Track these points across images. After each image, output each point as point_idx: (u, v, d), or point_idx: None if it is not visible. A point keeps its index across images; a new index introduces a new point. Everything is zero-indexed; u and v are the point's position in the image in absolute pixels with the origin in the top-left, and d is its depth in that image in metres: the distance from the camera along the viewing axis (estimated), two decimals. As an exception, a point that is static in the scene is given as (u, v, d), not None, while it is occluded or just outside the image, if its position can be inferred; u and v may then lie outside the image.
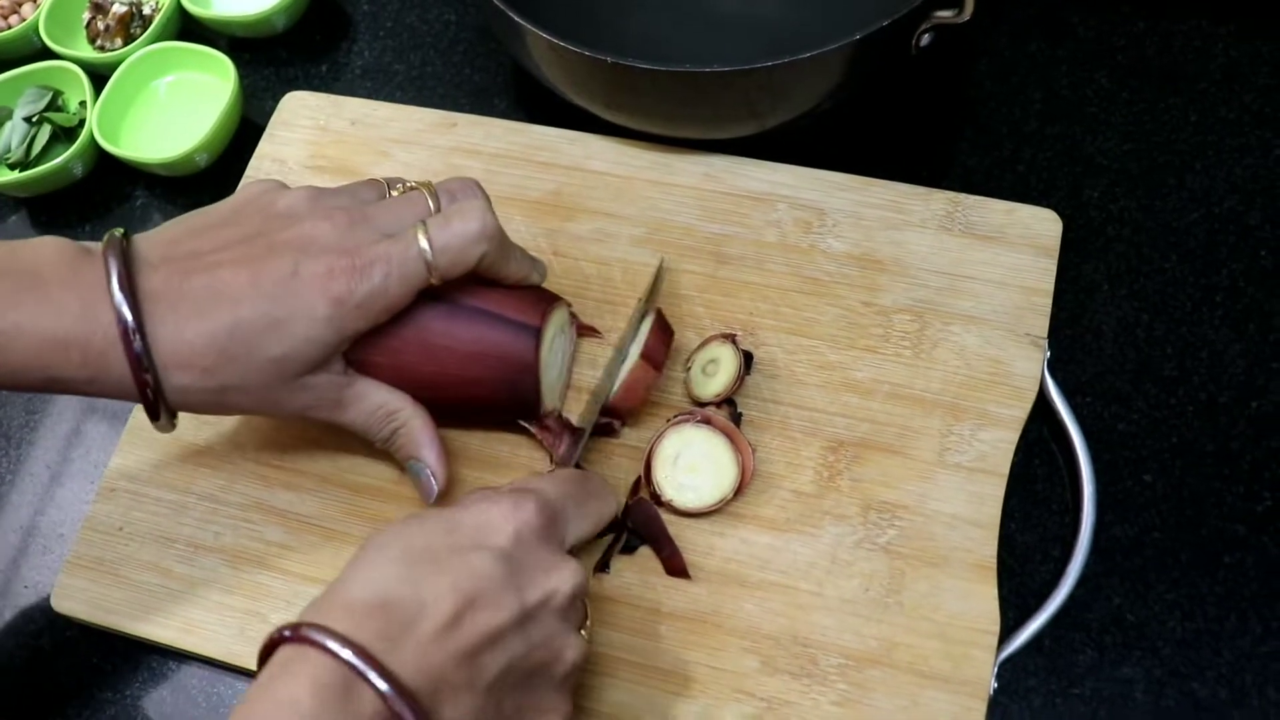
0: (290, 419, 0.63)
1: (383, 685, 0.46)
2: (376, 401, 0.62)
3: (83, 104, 0.86)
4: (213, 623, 0.67)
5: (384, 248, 0.58)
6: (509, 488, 0.57)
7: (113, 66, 0.86)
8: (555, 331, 0.65)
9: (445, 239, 0.59)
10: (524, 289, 0.65)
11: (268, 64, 0.91)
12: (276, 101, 0.85)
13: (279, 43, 0.91)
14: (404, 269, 0.58)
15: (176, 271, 0.57)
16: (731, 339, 0.69)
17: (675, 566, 0.65)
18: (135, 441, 0.73)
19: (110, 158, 0.84)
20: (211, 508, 0.70)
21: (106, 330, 0.55)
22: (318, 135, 0.83)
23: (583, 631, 0.56)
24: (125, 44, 0.89)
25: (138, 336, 0.55)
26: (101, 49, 0.89)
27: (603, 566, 0.66)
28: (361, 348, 0.61)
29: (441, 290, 0.61)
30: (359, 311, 0.58)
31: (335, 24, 0.92)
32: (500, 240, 0.61)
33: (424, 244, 0.59)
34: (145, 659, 0.69)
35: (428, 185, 0.63)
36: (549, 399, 0.65)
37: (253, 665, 0.50)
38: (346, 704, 0.45)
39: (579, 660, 0.54)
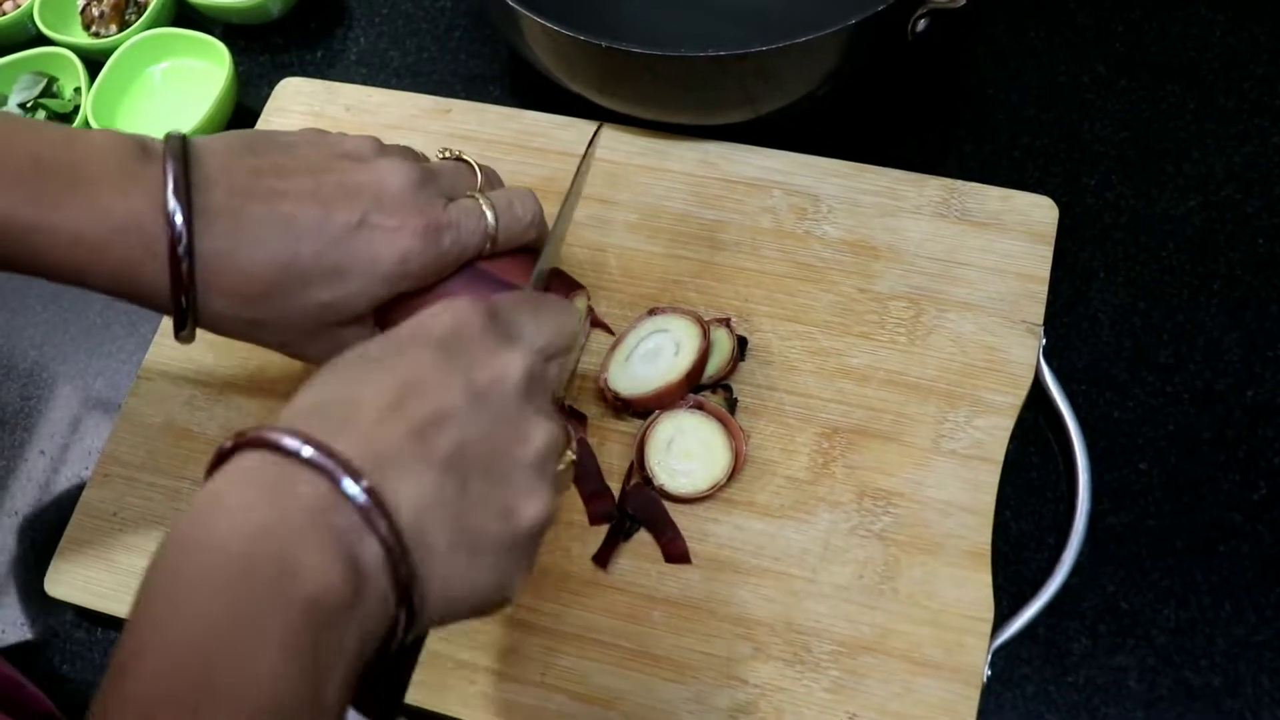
0: (304, 362, 0.62)
1: (321, 459, 0.42)
2: None
3: (78, 90, 0.86)
4: (205, 608, 0.67)
5: (455, 214, 0.59)
6: None
7: (108, 53, 0.86)
8: None
9: (509, 219, 0.60)
10: (549, 270, 0.65)
11: (263, 50, 0.90)
12: (272, 88, 0.84)
13: (274, 29, 0.91)
14: (470, 239, 0.59)
15: (238, 191, 0.55)
16: (726, 323, 0.69)
17: (676, 551, 0.65)
18: (129, 427, 0.73)
19: (105, 144, 0.83)
20: (204, 493, 0.70)
21: (150, 243, 0.53)
22: (313, 121, 0.82)
23: (570, 451, 0.53)
24: (120, 30, 0.89)
25: (186, 256, 0.53)
26: (96, 35, 0.89)
27: (604, 562, 0.65)
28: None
29: (491, 265, 0.62)
30: (420, 272, 0.58)
31: (331, 10, 0.92)
32: (543, 221, 0.63)
33: (490, 219, 0.59)
34: (137, 644, 0.69)
35: (467, 157, 0.64)
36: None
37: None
38: (279, 490, 0.42)
39: (549, 445, 0.49)
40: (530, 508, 0.47)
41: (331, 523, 0.41)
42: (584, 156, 0.64)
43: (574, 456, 0.54)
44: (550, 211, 0.63)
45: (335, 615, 0.40)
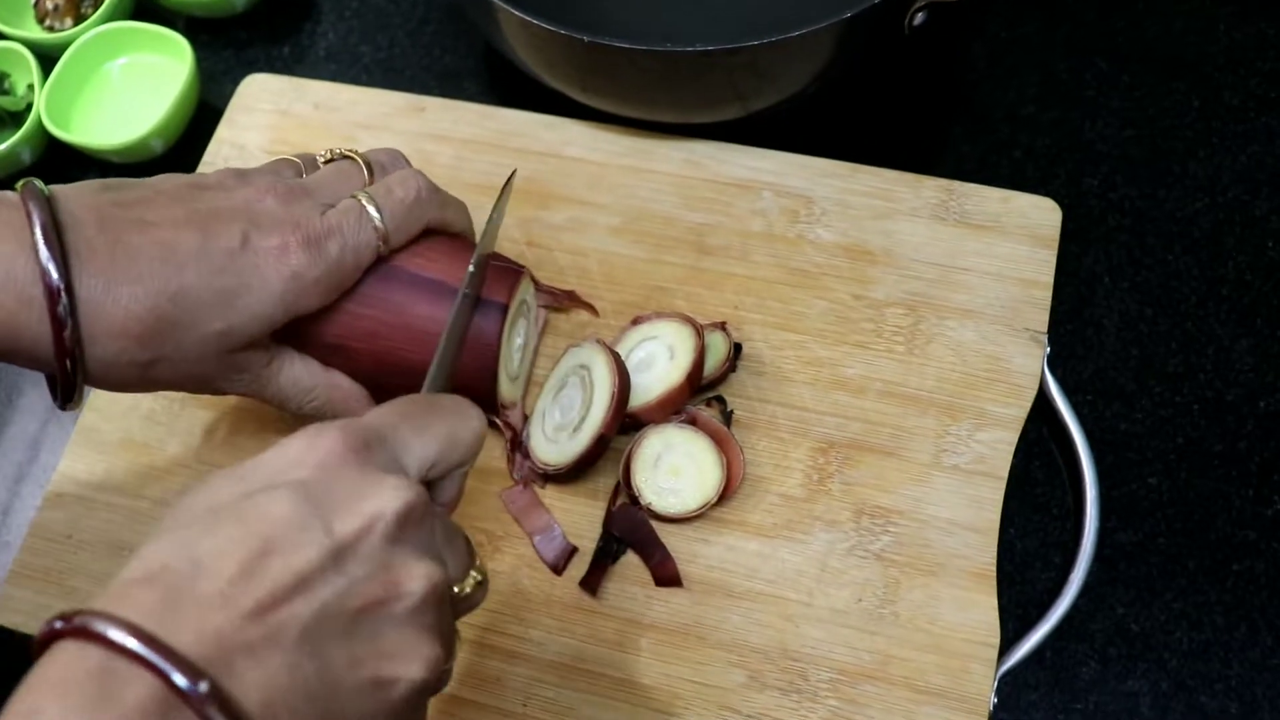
0: (206, 394, 0.59)
1: (151, 656, 0.37)
2: (294, 375, 0.59)
3: (31, 87, 0.82)
4: (165, 637, 0.63)
5: (335, 219, 0.56)
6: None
7: (62, 48, 0.82)
8: (513, 312, 0.62)
9: (392, 207, 0.57)
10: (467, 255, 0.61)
11: (227, 45, 0.87)
12: (236, 85, 0.81)
13: (239, 23, 0.88)
14: (357, 240, 0.56)
15: (109, 225, 0.52)
16: (722, 326, 0.67)
17: (666, 574, 0.62)
18: (85, 445, 0.70)
19: (60, 144, 0.80)
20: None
21: (23, 290, 0.50)
22: (279, 120, 0.79)
23: (475, 572, 0.47)
24: (75, 24, 0.85)
25: (65, 298, 0.50)
26: (50, 29, 0.86)
27: (593, 587, 0.62)
28: (333, 329, 0.58)
29: (419, 268, 0.59)
30: (315, 288, 0.55)
31: (298, 3, 0.88)
32: (440, 199, 0.60)
33: (373, 212, 0.57)
34: (94, 675, 0.65)
35: (355, 153, 0.61)
36: (508, 391, 0.63)
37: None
38: (103, 696, 0.36)
39: (429, 590, 0.43)
40: (408, 670, 0.42)
41: None
42: (499, 199, 0.62)
43: (479, 578, 0.48)
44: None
45: None
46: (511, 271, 0.62)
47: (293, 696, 0.39)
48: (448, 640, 0.44)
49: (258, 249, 0.54)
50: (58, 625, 0.38)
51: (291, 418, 0.67)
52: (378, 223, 0.57)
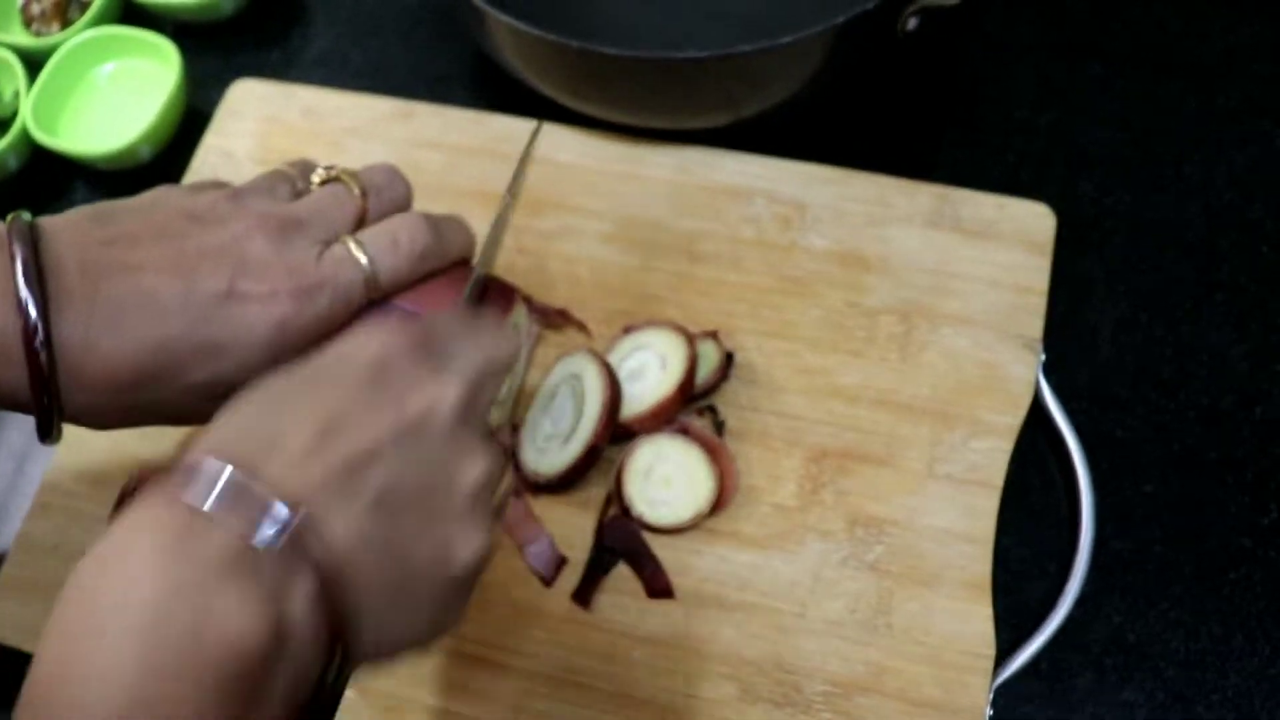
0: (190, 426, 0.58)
1: (245, 483, 0.39)
2: None
3: (17, 93, 0.81)
4: (153, 650, 0.63)
5: (328, 269, 0.54)
6: None
7: (49, 53, 0.81)
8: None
9: (394, 262, 0.55)
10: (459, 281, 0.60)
11: (215, 50, 0.86)
12: (225, 90, 0.80)
13: (227, 28, 0.87)
14: (349, 292, 0.54)
15: (90, 269, 0.50)
16: (713, 335, 0.66)
17: (658, 586, 0.62)
18: (71, 452, 0.69)
19: (47, 150, 0.79)
20: (153, 525, 0.66)
21: (2, 335, 0.49)
22: (267, 126, 0.78)
23: (505, 483, 0.50)
24: (62, 28, 0.84)
25: (44, 347, 0.49)
26: (37, 34, 0.85)
27: (585, 600, 0.62)
28: None
29: (411, 302, 0.57)
30: (301, 336, 0.53)
31: (287, 8, 0.87)
32: (442, 250, 0.57)
33: (366, 264, 0.54)
34: (81, 689, 0.64)
35: (350, 175, 0.58)
36: (494, 417, 0.62)
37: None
38: (191, 534, 0.38)
39: (484, 476, 0.46)
40: (466, 548, 0.45)
41: (251, 570, 0.38)
42: (522, 159, 0.60)
43: (511, 482, 0.50)
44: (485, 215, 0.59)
45: (257, 670, 0.38)
46: (503, 299, 0.60)
47: (367, 553, 0.41)
48: (495, 524, 0.47)
49: (244, 295, 0.52)
50: (147, 471, 0.41)
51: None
52: (370, 276, 0.55)
